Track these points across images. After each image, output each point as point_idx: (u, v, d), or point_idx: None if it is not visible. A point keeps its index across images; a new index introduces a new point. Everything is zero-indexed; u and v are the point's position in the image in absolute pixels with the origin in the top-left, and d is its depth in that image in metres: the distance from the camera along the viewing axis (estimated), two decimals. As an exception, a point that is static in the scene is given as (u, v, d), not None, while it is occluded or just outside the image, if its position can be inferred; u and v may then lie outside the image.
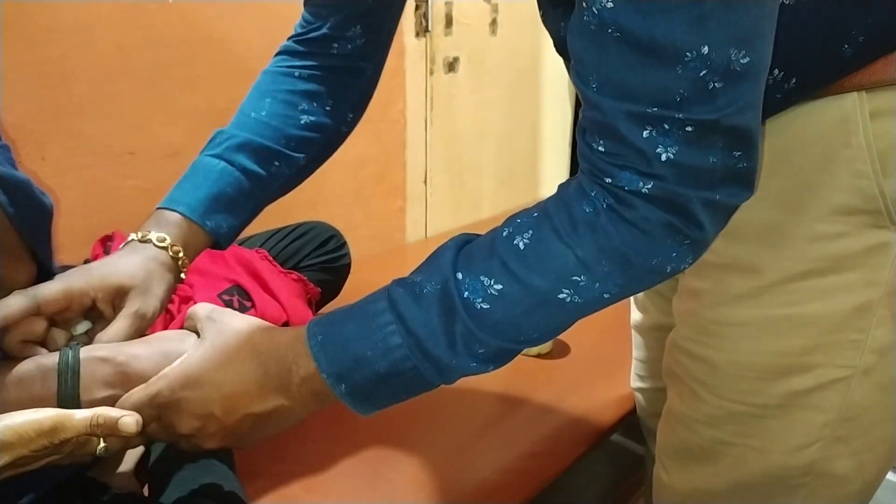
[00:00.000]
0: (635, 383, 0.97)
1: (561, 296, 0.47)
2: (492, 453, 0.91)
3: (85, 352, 0.53)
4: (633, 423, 1.02)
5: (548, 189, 2.09)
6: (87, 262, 1.01)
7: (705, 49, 0.40)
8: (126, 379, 0.53)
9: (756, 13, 0.41)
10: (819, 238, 0.55)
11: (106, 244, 1.01)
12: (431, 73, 1.60)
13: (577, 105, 2.08)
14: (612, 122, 0.44)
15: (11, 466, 0.45)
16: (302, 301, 1.08)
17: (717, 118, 0.42)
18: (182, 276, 0.63)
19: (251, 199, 0.66)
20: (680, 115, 0.42)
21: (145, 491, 0.72)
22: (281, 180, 0.67)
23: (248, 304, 1.01)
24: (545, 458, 0.92)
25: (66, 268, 0.98)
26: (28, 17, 1.02)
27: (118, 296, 0.59)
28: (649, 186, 0.44)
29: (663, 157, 0.43)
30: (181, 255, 0.63)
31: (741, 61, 0.41)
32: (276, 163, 0.67)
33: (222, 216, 0.64)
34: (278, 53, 0.73)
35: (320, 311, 1.17)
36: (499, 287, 0.47)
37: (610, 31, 0.41)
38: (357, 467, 0.87)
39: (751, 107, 0.44)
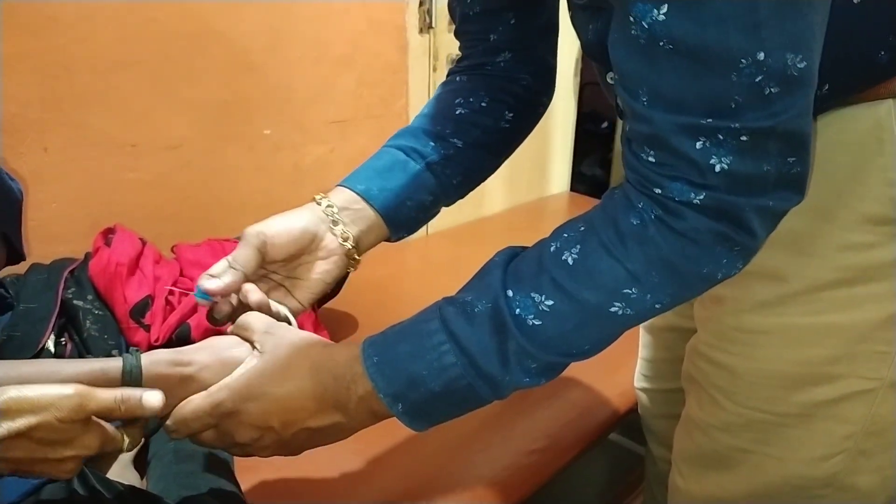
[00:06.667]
0: (640, 383, 0.97)
1: (612, 309, 0.48)
2: (490, 450, 0.91)
3: (147, 358, 0.54)
4: (631, 423, 1.02)
5: (550, 188, 2.09)
6: (88, 254, 1.01)
7: (761, 55, 0.40)
8: (187, 389, 0.54)
9: (811, 17, 0.41)
10: (848, 247, 0.55)
11: (107, 236, 1.00)
12: (434, 69, 1.59)
13: (582, 107, 2.07)
14: (664, 135, 0.44)
15: (40, 440, 0.44)
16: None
17: (772, 125, 0.42)
18: (332, 215, 0.65)
19: (406, 168, 0.67)
20: (735, 125, 0.42)
21: (144, 483, 0.72)
22: (439, 157, 0.69)
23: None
24: (543, 455, 0.92)
25: (62, 261, 0.99)
26: (30, 6, 1.00)
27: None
28: (701, 197, 0.44)
29: (717, 168, 0.43)
30: (326, 199, 0.65)
31: (798, 66, 0.40)
32: (432, 143, 0.69)
33: (373, 181, 0.67)
34: (447, 75, 0.77)
35: (320, 308, 1.17)
36: (550, 303, 0.48)
37: (661, 43, 0.41)
38: (356, 464, 0.87)
39: (807, 112, 0.43)
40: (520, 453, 0.91)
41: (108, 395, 0.47)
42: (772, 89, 0.40)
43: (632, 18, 0.41)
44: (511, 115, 0.72)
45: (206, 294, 0.59)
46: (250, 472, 0.79)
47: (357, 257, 0.66)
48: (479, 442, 0.92)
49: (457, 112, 0.70)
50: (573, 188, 2.15)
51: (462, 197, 0.75)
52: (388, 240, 0.70)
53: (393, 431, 0.82)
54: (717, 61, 0.40)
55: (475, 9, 0.69)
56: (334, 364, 0.53)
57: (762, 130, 0.42)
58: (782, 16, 0.39)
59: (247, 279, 0.61)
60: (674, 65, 0.41)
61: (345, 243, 0.64)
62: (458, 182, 0.71)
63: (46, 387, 0.45)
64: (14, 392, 0.44)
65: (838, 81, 0.50)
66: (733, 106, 0.41)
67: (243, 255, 0.61)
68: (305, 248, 0.64)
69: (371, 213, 0.66)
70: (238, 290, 0.61)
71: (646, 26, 0.41)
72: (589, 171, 2.47)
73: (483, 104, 0.70)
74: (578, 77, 1.99)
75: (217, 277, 0.60)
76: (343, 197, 0.66)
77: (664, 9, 0.40)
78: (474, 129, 0.70)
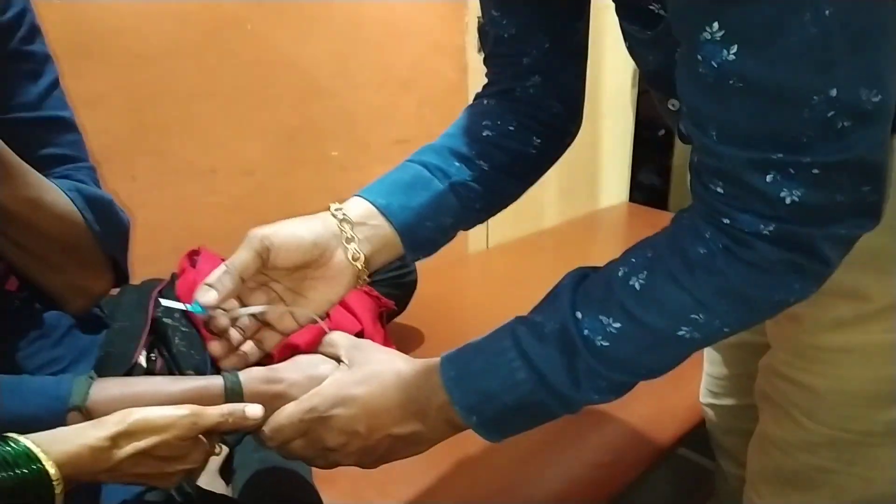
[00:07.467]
0: (706, 399, 0.96)
1: (680, 333, 0.48)
2: (559, 464, 0.92)
3: (243, 376, 0.58)
4: (698, 437, 1.01)
5: (608, 199, 2.07)
6: (174, 275, 1.07)
7: (833, 91, 0.39)
8: (277, 405, 0.57)
9: (886, 50, 0.40)
10: None
11: (192, 258, 1.06)
12: (493, 87, 1.62)
13: (638, 114, 2.06)
14: (733, 170, 0.44)
15: (160, 457, 0.49)
16: (373, 315, 1.11)
17: (845, 158, 0.41)
18: (346, 231, 0.61)
19: (429, 187, 0.64)
20: (807, 160, 0.41)
21: (230, 490, 0.76)
22: (464, 179, 0.66)
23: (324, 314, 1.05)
24: (612, 469, 0.92)
25: (151, 282, 1.05)
26: (120, 45, 1.08)
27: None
28: (771, 228, 0.44)
29: (787, 201, 0.42)
30: (341, 211, 0.62)
31: (873, 100, 0.40)
32: (457, 163, 0.66)
33: (395, 196, 0.63)
34: (473, 99, 0.75)
35: (389, 324, 1.20)
36: (617, 326, 0.49)
37: (731, 81, 0.41)
38: (426, 475, 0.89)
39: (882, 143, 0.43)
40: (588, 466, 0.92)
41: (216, 412, 0.52)
42: (844, 124, 0.40)
43: (700, 58, 0.41)
44: (539, 141, 0.70)
45: (202, 307, 0.56)
46: (326, 483, 0.83)
47: (366, 278, 0.62)
48: (547, 455, 0.93)
49: (483, 134, 0.68)
50: (632, 197, 2.13)
51: (481, 222, 0.72)
52: (401, 259, 0.66)
53: (463, 443, 0.84)
54: (788, 99, 0.40)
55: (510, 31, 0.67)
56: (417, 374, 0.56)
57: (834, 164, 0.41)
58: (855, 51, 0.39)
59: (244, 284, 0.59)
60: (744, 103, 0.41)
61: (355, 263, 0.61)
62: (480, 207, 0.68)
63: (165, 409, 0.50)
64: (139, 415, 0.49)
65: None
66: (805, 140, 0.41)
67: (241, 258, 0.57)
68: (313, 262, 0.60)
69: (388, 230, 0.62)
70: (235, 296, 0.59)
71: (715, 66, 0.41)
72: (647, 181, 2.43)
73: (511, 128, 0.68)
74: (636, 88, 1.98)
75: (212, 287, 0.57)
76: (361, 210, 0.62)
77: (734, 49, 0.40)
78: (501, 152, 0.68)
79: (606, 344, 0.49)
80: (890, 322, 0.57)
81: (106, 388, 0.55)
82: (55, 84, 0.69)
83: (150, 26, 1.11)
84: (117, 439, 0.48)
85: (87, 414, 0.53)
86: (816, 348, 0.61)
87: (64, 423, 0.50)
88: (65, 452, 0.45)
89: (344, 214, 0.61)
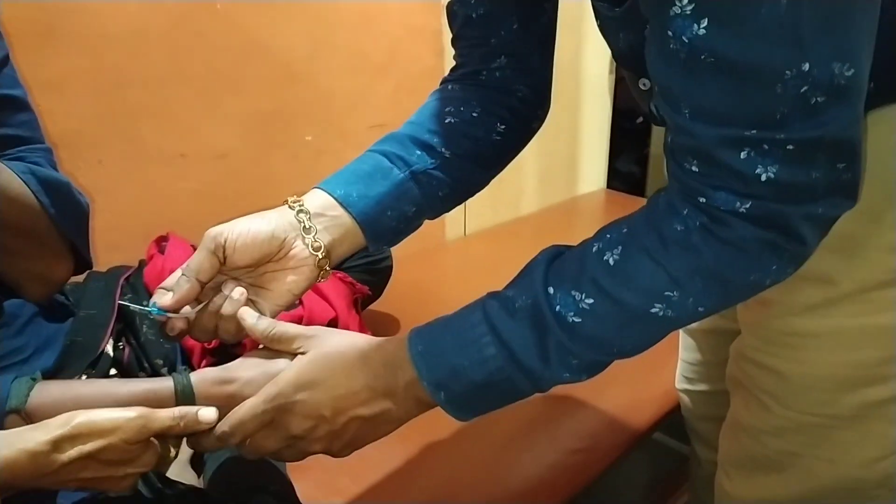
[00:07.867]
0: (682, 385, 0.96)
1: (653, 310, 0.48)
2: (535, 450, 0.92)
3: (195, 377, 0.56)
4: (674, 422, 1.02)
5: (586, 186, 2.08)
6: (142, 262, 1.05)
7: (806, 66, 0.39)
8: (234, 404, 0.55)
9: (859, 24, 0.40)
10: None
11: (161, 244, 1.04)
12: (470, 71, 1.61)
13: (616, 101, 2.06)
14: (707, 147, 0.43)
15: (107, 461, 0.47)
16: (348, 301, 1.10)
17: (820, 135, 0.41)
18: (304, 222, 0.61)
19: (389, 176, 0.64)
20: (781, 136, 0.41)
21: (200, 482, 0.75)
22: (425, 167, 0.65)
23: (297, 301, 1.03)
24: (588, 455, 0.93)
25: (118, 269, 1.03)
26: (85, 26, 1.05)
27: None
28: (747, 206, 0.43)
29: (763, 178, 0.42)
30: (299, 203, 0.62)
31: (846, 74, 0.40)
32: (419, 151, 0.65)
33: (353, 186, 0.63)
34: (440, 83, 0.74)
35: (364, 311, 1.19)
36: (590, 301, 0.48)
37: (703, 57, 0.40)
38: (402, 464, 0.88)
39: (856, 120, 0.42)
40: (564, 453, 0.92)
41: (167, 415, 0.50)
42: (818, 99, 0.40)
43: (670, 33, 0.41)
44: (503, 127, 0.69)
45: (161, 309, 0.57)
46: (299, 471, 0.82)
47: (328, 268, 0.62)
48: (524, 441, 0.93)
49: (446, 121, 0.67)
50: (609, 185, 2.14)
51: (448, 210, 0.71)
52: (363, 249, 0.66)
53: (437, 430, 0.83)
54: (761, 74, 0.40)
55: (479, 11, 0.66)
56: (384, 352, 0.54)
57: (809, 140, 0.41)
58: (828, 26, 0.38)
59: (203, 287, 0.58)
60: (716, 79, 0.41)
61: (315, 253, 0.61)
62: (444, 194, 0.67)
63: (112, 411, 0.48)
64: (84, 417, 0.46)
65: (885, 79, 0.49)
66: (778, 117, 0.40)
67: (197, 261, 0.57)
68: (272, 255, 0.60)
69: (348, 220, 0.62)
70: (193, 301, 0.58)
71: (686, 41, 0.40)
72: (625, 168, 2.45)
73: (475, 114, 0.68)
74: (613, 74, 1.97)
75: (170, 290, 0.57)
76: (319, 201, 0.62)
77: (704, 23, 0.39)
78: (464, 139, 0.67)
79: (578, 320, 0.49)
80: (857, 307, 0.57)
81: (48, 391, 0.53)
82: (5, 61, 0.66)
83: (116, 6, 1.08)
84: (60, 443, 0.45)
85: (28, 417, 0.51)
86: (785, 333, 0.61)
87: (3, 427, 0.48)
88: (1, 457, 0.43)
89: (301, 206, 0.61)
